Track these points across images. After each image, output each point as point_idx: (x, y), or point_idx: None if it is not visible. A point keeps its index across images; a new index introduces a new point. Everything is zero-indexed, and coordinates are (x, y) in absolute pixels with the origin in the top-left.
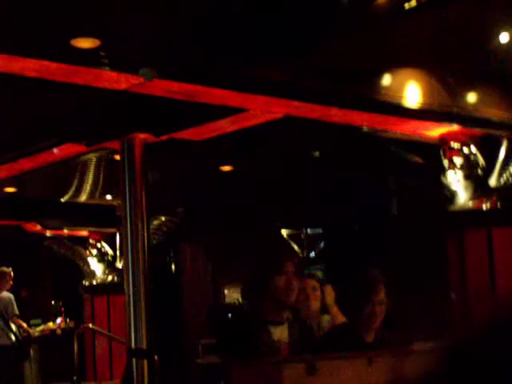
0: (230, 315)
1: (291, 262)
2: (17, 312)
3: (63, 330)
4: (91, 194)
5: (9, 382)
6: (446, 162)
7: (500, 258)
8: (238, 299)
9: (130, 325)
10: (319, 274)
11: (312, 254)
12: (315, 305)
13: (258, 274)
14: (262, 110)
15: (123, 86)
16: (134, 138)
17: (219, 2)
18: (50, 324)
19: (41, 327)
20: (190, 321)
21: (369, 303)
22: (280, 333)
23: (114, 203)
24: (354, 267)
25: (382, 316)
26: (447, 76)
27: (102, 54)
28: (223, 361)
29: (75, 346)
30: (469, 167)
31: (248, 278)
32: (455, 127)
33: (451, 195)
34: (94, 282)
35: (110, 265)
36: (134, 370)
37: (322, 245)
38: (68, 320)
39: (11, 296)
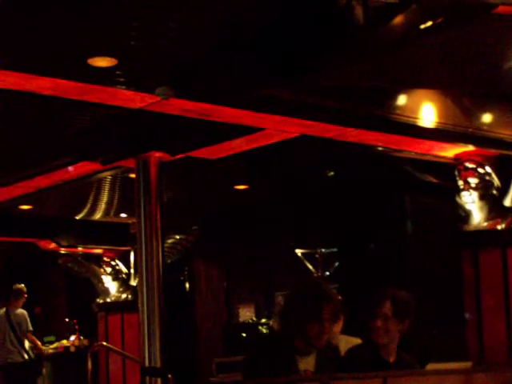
0: (243, 334)
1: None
2: (31, 328)
3: (77, 347)
4: (106, 212)
5: None
6: (460, 183)
7: None
8: (251, 318)
9: (143, 343)
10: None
11: (327, 274)
12: (337, 329)
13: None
14: (277, 129)
15: (139, 104)
16: (150, 157)
17: (235, 23)
18: (64, 341)
19: (54, 344)
20: (203, 339)
21: (373, 318)
22: (306, 362)
23: (129, 221)
24: (367, 286)
25: (388, 333)
26: (462, 96)
27: (119, 73)
28: (236, 380)
29: (89, 364)
30: (484, 187)
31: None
32: (470, 147)
33: (466, 215)
34: (108, 300)
35: (124, 283)
36: None
37: (336, 264)
38: (82, 338)
39: (25, 313)
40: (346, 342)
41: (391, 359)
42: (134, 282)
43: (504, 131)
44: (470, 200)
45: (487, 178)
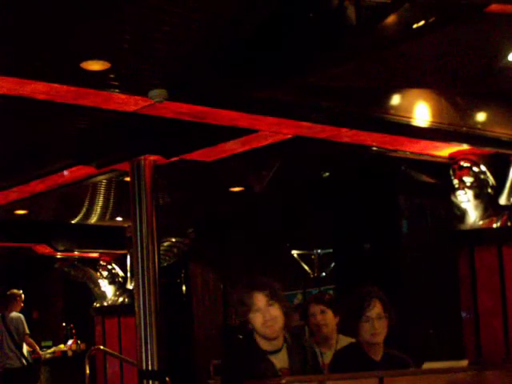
0: (240, 336)
1: (261, 294)
2: (28, 331)
3: (74, 351)
4: (101, 216)
5: None
6: (455, 182)
7: (510, 276)
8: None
9: (141, 346)
10: (331, 292)
11: (323, 274)
12: (326, 328)
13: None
14: (272, 130)
15: (133, 108)
16: (144, 160)
17: (229, 25)
18: (61, 346)
19: (52, 349)
20: (200, 341)
21: (365, 320)
22: (280, 361)
23: (125, 225)
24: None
25: (383, 332)
26: (456, 96)
27: (112, 76)
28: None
29: (86, 368)
30: (479, 186)
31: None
32: (465, 146)
33: (461, 214)
34: (105, 304)
35: (120, 286)
36: None
37: (332, 265)
38: (79, 342)
39: (21, 316)
40: (344, 342)
41: (378, 357)
42: (130, 286)
43: (498, 130)
44: (466, 199)
45: (482, 176)
